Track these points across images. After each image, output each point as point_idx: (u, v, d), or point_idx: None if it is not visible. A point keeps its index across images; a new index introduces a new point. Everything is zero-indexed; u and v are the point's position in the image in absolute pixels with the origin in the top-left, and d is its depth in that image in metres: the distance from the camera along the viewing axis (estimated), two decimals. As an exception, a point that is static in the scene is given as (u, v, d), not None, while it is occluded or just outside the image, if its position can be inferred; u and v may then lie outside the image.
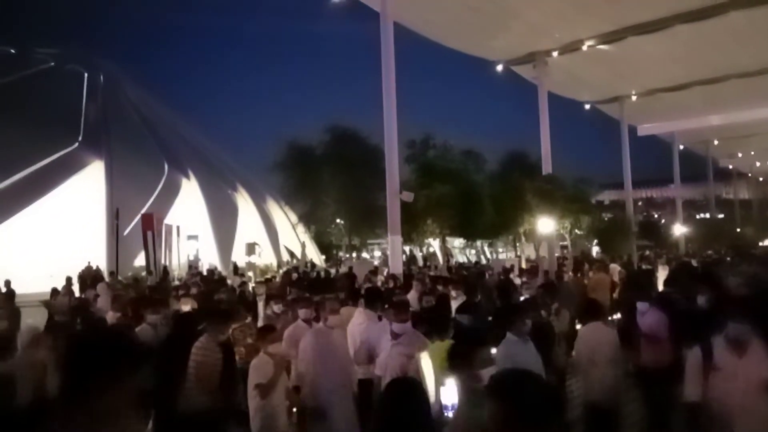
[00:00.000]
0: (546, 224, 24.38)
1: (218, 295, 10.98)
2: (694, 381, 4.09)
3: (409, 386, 2.60)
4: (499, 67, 27.45)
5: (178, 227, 30.18)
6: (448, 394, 2.90)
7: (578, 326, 7.02)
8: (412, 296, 9.44)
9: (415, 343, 5.07)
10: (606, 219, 38.18)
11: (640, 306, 7.05)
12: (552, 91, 28.36)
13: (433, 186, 20.61)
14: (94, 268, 22.33)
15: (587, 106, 35.62)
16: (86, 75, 36.65)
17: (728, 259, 22.33)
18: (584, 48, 25.39)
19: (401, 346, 5.11)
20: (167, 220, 29.19)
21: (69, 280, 16.01)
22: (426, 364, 4.55)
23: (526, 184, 23.67)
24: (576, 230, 31.33)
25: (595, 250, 39.14)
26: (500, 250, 46.44)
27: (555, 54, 25.94)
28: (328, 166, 24.80)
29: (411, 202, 18.97)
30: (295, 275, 20.09)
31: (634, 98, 34.12)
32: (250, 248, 31.53)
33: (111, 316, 8.49)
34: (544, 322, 7.14)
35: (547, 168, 26.13)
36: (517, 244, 30.70)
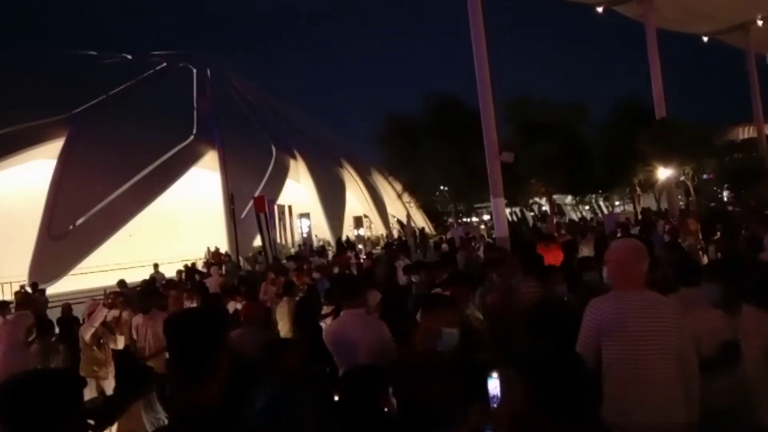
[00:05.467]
0: (662, 172, 22.79)
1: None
2: None
3: (365, 376, 2.57)
4: (600, 9, 25.64)
5: (289, 206, 31.61)
6: (494, 385, 2.78)
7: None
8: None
9: None
10: (738, 160, 34.73)
11: None
12: (662, 27, 26.08)
13: (534, 144, 19.89)
14: (213, 250, 23.94)
15: (705, 39, 32.42)
16: (195, 71, 38.99)
17: None
18: (696, -26, 23.09)
19: None
20: (279, 201, 30.64)
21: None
22: None
23: (638, 131, 22.12)
24: (703, 175, 28.95)
25: (726, 195, 36.05)
26: (616, 203, 44.12)
27: (662, -14, 23.80)
28: (427, 135, 24.77)
29: (513, 162, 18.44)
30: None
31: (760, 23, 30.50)
32: (358, 221, 32.35)
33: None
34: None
35: (660, 112, 24.24)
36: (635, 196, 28.92)
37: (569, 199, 40.72)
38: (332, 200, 35.72)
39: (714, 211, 20.81)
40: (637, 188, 24.86)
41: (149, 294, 7.09)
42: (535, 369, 1.74)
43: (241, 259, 22.44)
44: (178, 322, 1.94)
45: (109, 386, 6.00)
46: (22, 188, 25.26)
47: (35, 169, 25.92)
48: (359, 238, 31.40)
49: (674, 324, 2.84)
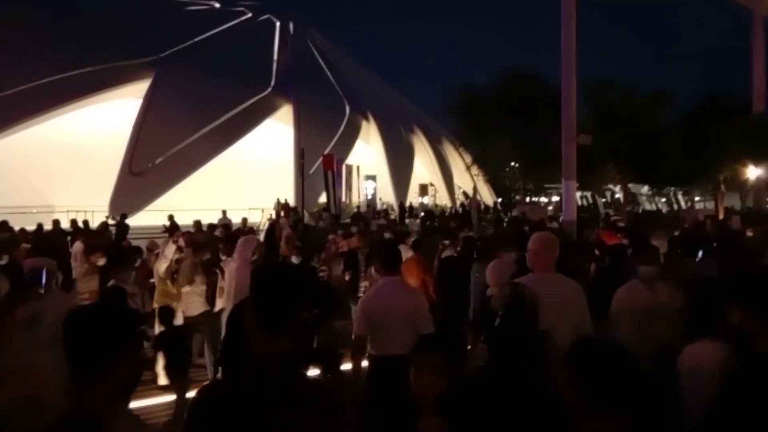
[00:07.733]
0: (752, 171, 21.42)
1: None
2: None
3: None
4: (706, -9, 23.93)
5: (357, 167, 31.89)
6: None
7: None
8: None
9: None
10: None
11: None
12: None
13: (612, 129, 19.04)
14: (283, 202, 24.50)
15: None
16: (278, 24, 39.40)
17: None
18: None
19: None
20: (348, 161, 30.94)
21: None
22: None
23: (729, 126, 20.72)
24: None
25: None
26: (696, 198, 41.98)
27: (779, -30, 21.91)
28: (500, 109, 24.19)
29: (589, 145, 17.77)
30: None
31: None
32: (424, 189, 32.24)
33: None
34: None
35: (758, 107, 22.65)
36: (718, 194, 27.32)
37: (645, 189, 39.02)
38: (400, 165, 35.73)
39: None
40: (722, 185, 23.43)
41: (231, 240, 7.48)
42: (584, 359, 1.66)
43: (305, 213, 22.92)
44: (266, 275, 2.02)
45: (178, 319, 6.26)
46: (108, 124, 26.59)
47: (122, 107, 27.18)
48: (423, 206, 31.35)
49: (575, 297, 3.54)
